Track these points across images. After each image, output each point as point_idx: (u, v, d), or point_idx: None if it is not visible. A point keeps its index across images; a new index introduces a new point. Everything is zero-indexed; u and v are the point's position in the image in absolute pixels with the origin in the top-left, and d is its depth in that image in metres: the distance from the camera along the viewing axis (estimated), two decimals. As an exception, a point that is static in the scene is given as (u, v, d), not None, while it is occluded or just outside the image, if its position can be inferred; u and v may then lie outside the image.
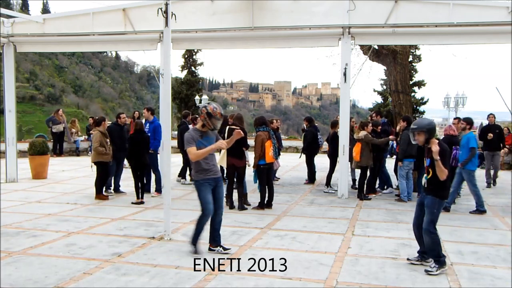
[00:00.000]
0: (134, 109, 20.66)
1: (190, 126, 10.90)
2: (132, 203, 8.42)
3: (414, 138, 4.89)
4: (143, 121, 9.50)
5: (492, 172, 11.05)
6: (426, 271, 4.75)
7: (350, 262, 5.14)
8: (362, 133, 8.87)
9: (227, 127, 8.05)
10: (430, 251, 4.85)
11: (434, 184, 4.78)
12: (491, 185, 10.98)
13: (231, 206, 8.00)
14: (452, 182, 8.61)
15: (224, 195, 7.83)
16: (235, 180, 8.09)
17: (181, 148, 10.76)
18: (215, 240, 5.40)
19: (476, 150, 7.95)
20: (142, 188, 8.55)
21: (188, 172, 11.06)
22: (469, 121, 8.34)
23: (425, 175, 4.94)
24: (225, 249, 5.38)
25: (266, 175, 7.96)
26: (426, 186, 4.89)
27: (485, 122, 11.83)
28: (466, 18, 8.47)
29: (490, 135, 10.79)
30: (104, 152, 8.62)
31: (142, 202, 8.44)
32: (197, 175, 5.19)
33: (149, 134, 8.98)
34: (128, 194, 9.25)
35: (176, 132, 13.71)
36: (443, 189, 4.80)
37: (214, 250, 5.37)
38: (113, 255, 5.33)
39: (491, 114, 11.43)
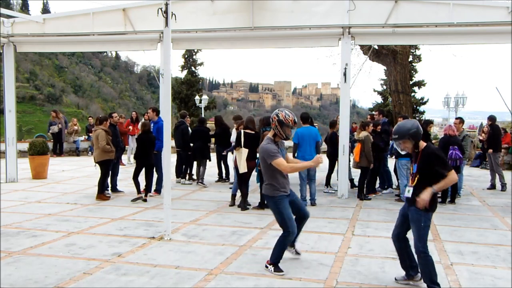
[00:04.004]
0: (134, 109, 20.72)
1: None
2: (132, 200, 8.52)
3: (401, 148, 4.26)
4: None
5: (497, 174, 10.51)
6: None
7: (350, 262, 5.14)
8: (363, 134, 8.87)
9: (242, 131, 8.10)
10: (422, 274, 4.26)
11: (419, 194, 4.10)
12: (504, 188, 10.39)
13: (239, 206, 8.04)
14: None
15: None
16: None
17: (181, 147, 10.81)
18: (292, 242, 5.09)
19: None
20: (147, 186, 8.75)
21: (195, 172, 11.07)
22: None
23: (408, 184, 4.32)
24: (297, 252, 5.19)
25: None
26: (410, 196, 4.20)
27: (485, 122, 11.72)
28: (466, 18, 8.46)
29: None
30: (110, 150, 8.73)
31: (141, 198, 8.56)
32: (274, 191, 4.73)
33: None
34: (127, 194, 9.26)
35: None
36: (432, 198, 4.11)
37: (288, 250, 5.11)
38: (113, 255, 5.33)
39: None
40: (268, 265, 4.83)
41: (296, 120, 4.74)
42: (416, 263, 4.37)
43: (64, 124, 16.93)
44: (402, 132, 4.18)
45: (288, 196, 4.81)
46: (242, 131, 8.08)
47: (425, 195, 4.06)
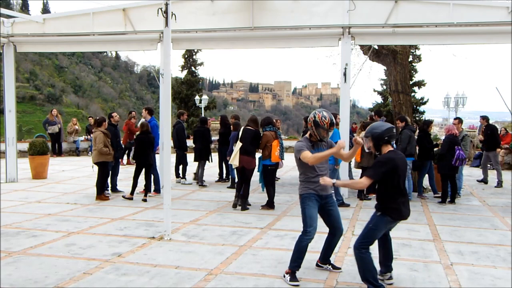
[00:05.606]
0: (133, 109, 20.71)
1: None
2: (122, 196, 8.71)
3: (367, 146, 4.40)
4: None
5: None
6: None
7: (350, 262, 5.14)
8: (363, 134, 8.86)
9: (242, 127, 8.20)
10: (359, 272, 4.30)
11: (379, 198, 4.32)
12: (499, 185, 10.81)
13: (238, 206, 8.04)
14: (454, 183, 8.71)
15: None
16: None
17: (177, 147, 10.81)
18: (326, 258, 4.91)
19: None
20: (146, 186, 8.83)
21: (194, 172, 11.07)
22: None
23: None
24: (335, 267, 4.91)
25: (271, 175, 8.04)
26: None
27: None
28: (466, 18, 8.46)
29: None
30: (108, 152, 8.71)
31: (131, 199, 8.64)
32: (303, 188, 4.68)
33: None
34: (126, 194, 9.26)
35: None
36: (388, 205, 4.23)
37: (322, 267, 4.91)
38: (113, 255, 5.33)
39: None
40: (285, 274, 4.57)
41: (334, 122, 4.65)
42: (388, 262, 4.58)
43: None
44: (369, 129, 4.36)
45: (319, 197, 4.66)
46: (242, 127, 8.21)
47: (326, 180, 4.38)
